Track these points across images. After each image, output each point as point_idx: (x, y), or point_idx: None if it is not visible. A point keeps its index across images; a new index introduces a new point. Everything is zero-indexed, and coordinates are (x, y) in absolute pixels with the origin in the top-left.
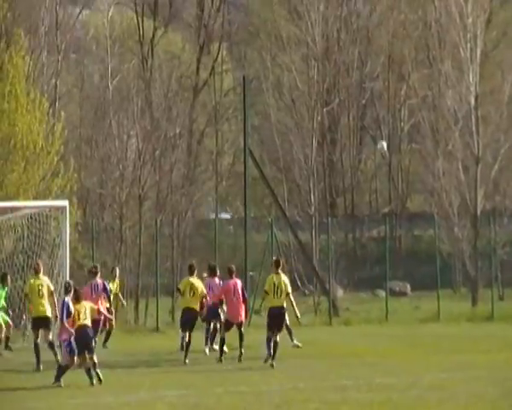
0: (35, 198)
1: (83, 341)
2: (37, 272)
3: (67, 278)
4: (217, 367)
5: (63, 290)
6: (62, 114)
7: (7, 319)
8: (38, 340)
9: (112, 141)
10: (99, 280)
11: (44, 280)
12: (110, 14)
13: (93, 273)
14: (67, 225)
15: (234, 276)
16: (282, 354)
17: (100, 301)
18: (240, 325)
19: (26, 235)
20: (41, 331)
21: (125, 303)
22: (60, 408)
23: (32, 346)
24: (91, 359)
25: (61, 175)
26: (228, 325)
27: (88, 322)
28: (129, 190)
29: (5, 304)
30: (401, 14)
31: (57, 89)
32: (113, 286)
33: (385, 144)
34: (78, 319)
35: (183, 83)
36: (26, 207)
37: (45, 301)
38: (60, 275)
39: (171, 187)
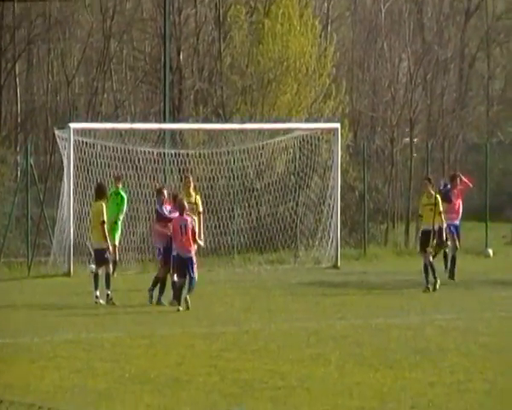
0: (307, 120)
1: None
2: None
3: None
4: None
5: None
6: (334, 36)
7: None
8: None
9: (383, 64)
10: None
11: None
12: None
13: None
14: (339, 147)
15: None
16: None
17: None
18: None
19: (297, 156)
20: None
21: None
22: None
23: None
24: None
25: (332, 97)
26: None
27: None
28: (400, 113)
29: None
30: None
31: (329, 12)
32: None
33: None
34: None
35: (455, 6)
36: (297, 129)
37: None
38: (331, 197)
39: (442, 111)
